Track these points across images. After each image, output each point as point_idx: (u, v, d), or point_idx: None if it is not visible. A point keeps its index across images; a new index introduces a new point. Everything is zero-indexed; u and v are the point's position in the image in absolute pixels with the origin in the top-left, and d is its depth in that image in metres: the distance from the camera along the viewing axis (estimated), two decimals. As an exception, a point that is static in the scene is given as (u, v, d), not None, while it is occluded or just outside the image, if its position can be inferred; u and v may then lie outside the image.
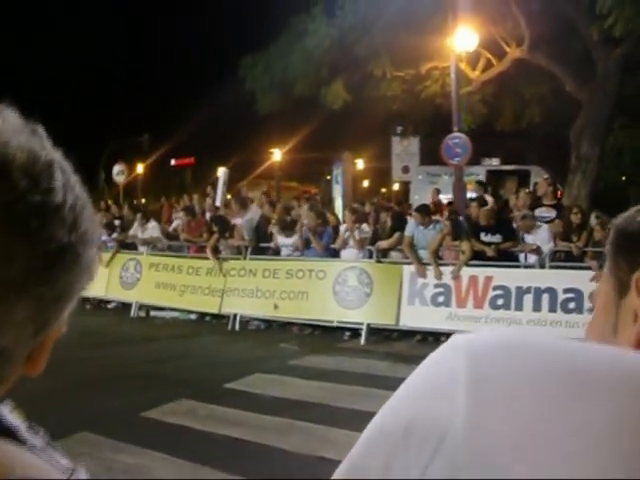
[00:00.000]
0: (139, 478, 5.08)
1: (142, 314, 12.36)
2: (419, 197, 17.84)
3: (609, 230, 0.91)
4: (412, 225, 10.36)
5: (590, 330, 0.89)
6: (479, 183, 14.55)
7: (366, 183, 35.35)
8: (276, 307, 10.87)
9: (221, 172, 15.57)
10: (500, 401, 0.60)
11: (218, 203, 13.97)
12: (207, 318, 11.83)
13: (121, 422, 6.29)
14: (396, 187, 26.83)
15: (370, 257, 10.46)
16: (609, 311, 0.87)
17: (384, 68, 13.84)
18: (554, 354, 0.62)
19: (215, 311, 11.55)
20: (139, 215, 13.28)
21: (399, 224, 10.59)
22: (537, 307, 9.05)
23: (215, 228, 12.09)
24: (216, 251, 11.93)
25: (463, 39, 12.20)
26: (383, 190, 31.51)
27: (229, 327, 11.14)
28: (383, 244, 10.48)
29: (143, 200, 38.08)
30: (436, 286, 9.64)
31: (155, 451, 5.52)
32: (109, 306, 13.12)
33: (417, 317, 9.57)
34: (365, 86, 14.31)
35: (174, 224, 13.46)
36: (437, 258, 9.86)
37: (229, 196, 16.43)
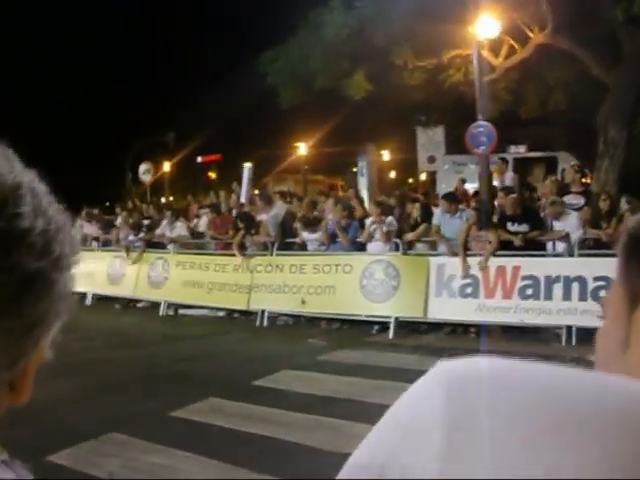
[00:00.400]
0: (166, 479, 5.08)
1: (171, 312, 12.43)
2: (445, 187, 17.65)
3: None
4: (439, 214, 10.27)
5: (599, 343, 0.82)
6: (501, 159, 14.36)
7: (393, 174, 35.15)
8: (303, 302, 10.84)
9: (245, 168, 15.61)
10: (479, 447, 0.53)
11: (243, 199, 13.97)
12: (235, 315, 11.84)
13: (149, 422, 6.30)
14: (423, 177, 26.64)
15: (396, 250, 10.38)
16: (619, 324, 0.78)
17: (405, 58, 13.70)
18: (543, 392, 0.55)
19: (243, 307, 11.56)
20: (168, 214, 13.33)
21: (425, 215, 10.50)
22: (567, 296, 8.90)
23: (241, 225, 12.09)
24: (242, 248, 11.94)
25: (485, 26, 12.03)
26: (410, 181, 31.32)
27: (257, 323, 11.14)
28: (409, 236, 10.40)
29: (171, 198, 38.42)
30: (464, 277, 9.53)
31: (182, 451, 5.52)
32: (138, 305, 13.19)
33: (445, 309, 9.47)
34: (387, 76, 14.18)
35: (200, 222, 13.48)
36: (465, 249, 9.74)
37: (256, 192, 16.45)
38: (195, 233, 13.39)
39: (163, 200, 19.04)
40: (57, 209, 0.63)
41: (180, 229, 13.05)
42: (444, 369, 0.62)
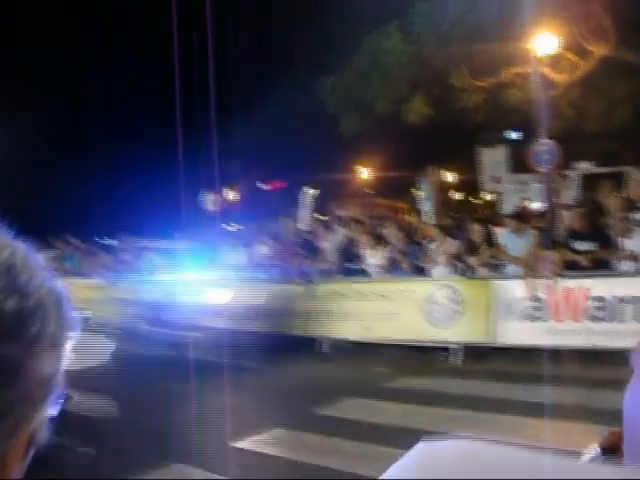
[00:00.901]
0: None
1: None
2: (510, 206, 17.37)
3: None
4: (504, 233, 10.08)
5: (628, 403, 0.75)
6: (562, 176, 13.94)
7: (457, 196, 34.86)
8: (368, 329, 10.75)
9: (305, 194, 15.65)
10: None
11: (302, 225, 13.92)
12: (297, 341, 11.78)
13: (212, 453, 6.30)
14: (488, 197, 26.32)
15: (460, 273, 10.21)
16: None
17: (464, 79, 13.61)
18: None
19: (302, 333, 11.50)
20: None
21: (487, 238, 10.30)
22: (639, 317, 8.55)
23: (302, 252, 12.11)
24: (305, 275, 11.93)
25: (544, 42, 11.85)
26: (476, 201, 30.96)
27: (319, 350, 11.06)
28: (473, 261, 10.20)
29: (238, 226, 38.90)
30: (530, 300, 9.29)
31: (248, 484, 5.51)
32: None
33: (513, 333, 9.23)
34: (446, 99, 14.09)
35: (261, 250, 13.54)
36: (529, 270, 9.50)
37: (318, 217, 16.49)
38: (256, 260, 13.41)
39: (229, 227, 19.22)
40: (47, 284, 0.59)
41: (240, 257, 13.15)
42: (419, 452, 0.65)
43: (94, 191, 45.53)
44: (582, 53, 13.36)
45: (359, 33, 14.65)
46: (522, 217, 10.65)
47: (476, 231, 10.91)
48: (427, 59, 13.46)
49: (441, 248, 10.47)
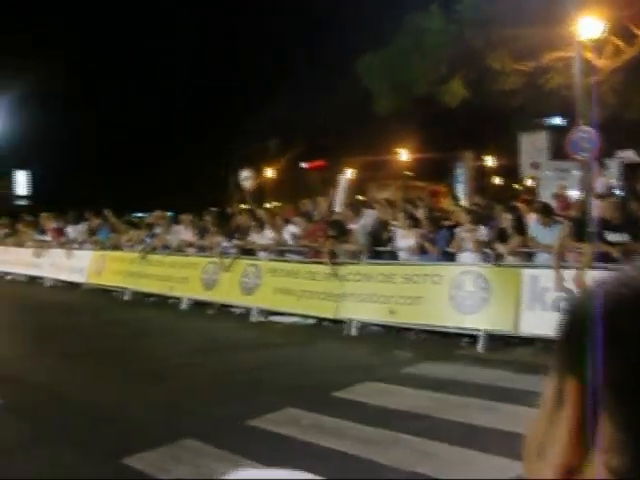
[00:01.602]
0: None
1: (262, 319, 12.50)
2: (548, 193, 17.03)
3: None
4: (534, 224, 9.86)
5: (527, 435, 0.65)
6: (600, 164, 13.53)
7: (497, 180, 34.38)
8: (392, 312, 10.66)
9: (342, 178, 15.55)
10: None
11: (337, 208, 13.83)
12: (325, 323, 11.76)
13: (226, 430, 6.32)
14: (528, 183, 25.88)
15: (488, 260, 10.03)
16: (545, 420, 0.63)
17: (503, 61, 13.29)
18: None
19: (332, 316, 11.48)
20: (255, 222, 13.48)
21: (518, 225, 10.09)
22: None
23: (332, 232, 12.03)
24: (333, 256, 11.87)
25: (587, 26, 11.48)
26: (516, 187, 30.53)
27: (345, 332, 11.03)
28: (502, 249, 10.00)
29: (275, 204, 39.01)
30: (558, 290, 9.06)
31: (254, 461, 5.47)
32: (236, 312, 13.29)
33: (538, 323, 9.01)
34: (484, 81, 13.79)
35: (291, 229, 13.48)
36: (560, 261, 9.27)
37: (355, 197, 16.35)
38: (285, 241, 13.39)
39: (253, 208, 19.21)
40: None
41: (269, 236, 13.14)
42: None
43: (133, 167, 46.31)
44: (627, 38, 12.94)
45: (401, 12, 14.39)
46: (550, 209, 10.35)
47: (508, 218, 10.70)
48: (468, 40, 13.15)
49: (471, 234, 10.29)
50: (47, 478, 5.24)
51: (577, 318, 0.61)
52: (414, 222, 11.12)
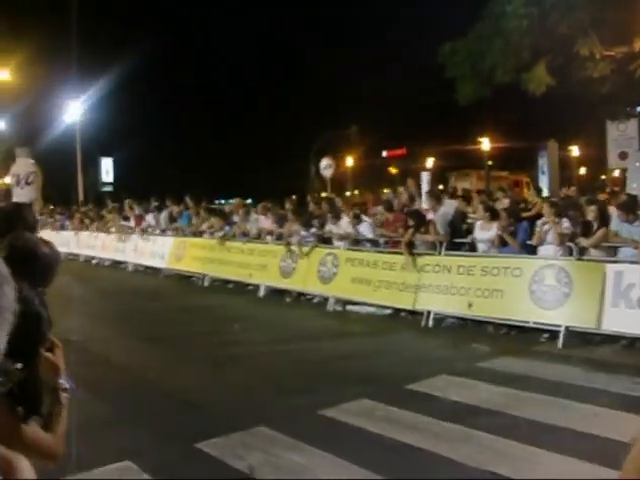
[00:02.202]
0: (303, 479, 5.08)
1: (339, 308, 12.51)
2: (637, 185, 16.37)
3: None
4: (617, 220, 9.50)
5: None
6: None
7: (583, 171, 33.35)
8: (470, 305, 10.49)
9: (423, 175, 15.30)
10: None
11: (424, 205, 13.42)
12: (402, 314, 11.68)
13: (298, 419, 6.38)
14: (617, 173, 24.93)
15: (570, 254, 9.72)
16: None
17: (592, 47, 12.79)
18: None
19: (409, 307, 11.39)
20: (331, 211, 13.48)
21: (603, 218, 9.73)
22: None
23: (411, 222, 11.91)
24: (411, 246, 11.75)
25: (682, 10, 10.94)
26: (603, 177, 29.53)
27: (422, 324, 10.93)
28: (585, 243, 9.67)
29: (356, 192, 39.02)
30: (645, 286, 8.70)
31: (326, 452, 5.52)
32: (314, 300, 13.34)
33: (622, 321, 8.68)
34: (570, 68, 13.32)
35: (366, 220, 13.39)
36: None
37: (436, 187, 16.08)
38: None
39: (329, 196, 19.20)
40: None
41: (346, 226, 13.12)
42: None
43: (216, 155, 47.17)
44: None
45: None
46: (635, 205, 9.90)
47: (592, 211, 10.35)
48: (552, 25, 12.71)
49: (553, 226, 10.00)
50: (123, 457, 5.39)
51: None
52: (493, 215, 10.89)
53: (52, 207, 28.98)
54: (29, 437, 2.07)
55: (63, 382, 2.36)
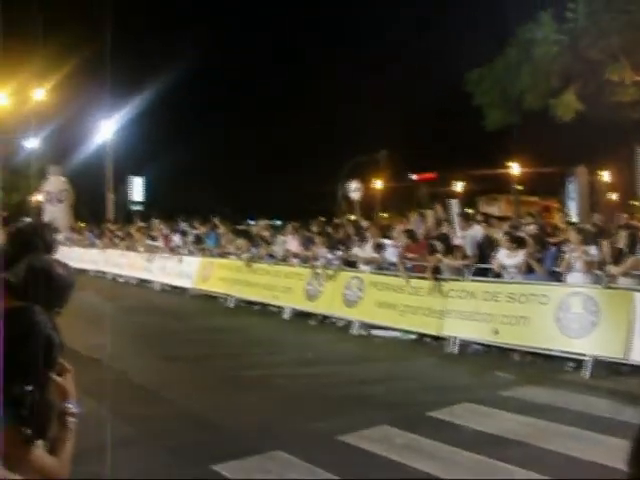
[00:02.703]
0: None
1: (363, 332, 12.43)
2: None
3: None
4: (645, 247, 9.36)
5: None
6: None
7: (614, 196, 32.94)
8: (496, 332, 10.35)
9: (452, 204, 15.10)
10: None
11: (459, 238, 13.10)
12: (427, 339, 11.57)
13: (316, 444, 6.32)
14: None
15: (598, 282, 9.56)
16: None
17: (622, 72, 12.67)
18: None
19: (434, 332, 11.28)
20: (356, 234, 13.45)
21: (632, 245, 9.57)
22: None
23: (438, 247, 11.82)
24: (437, 271, 11.67)
25: None
26: (635, 203, 29.15)
27: (447, 350, 10.81)
28: (614, 270, 9.50)
29: (385, 215, 39.00)
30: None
31: (343, 479, 5.44)
32: (338, 324, 13.27)
33: (651, 351, 8.53)
34: (600, 93, 13.20)
35: (389, 244, 13.28)
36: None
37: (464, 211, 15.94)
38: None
39: (355, 219, 19.19)
40: None
41: (371, 250, 13.07)
42: None
43: (245, 176, 47.58)
44: None
45: (512, 22, 13.98)
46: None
47: (622, 237, 10.20)
48: (582, 51, 12.63)
49: (580, 253, 9.85)
50: (140, 476, 5.37)
51: None
52: (518, 244, 10.75)
53: (82, 225, 29.33)
54: (34, 460, 2.06)
55: (71, 406, 2.35)
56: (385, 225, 19.62)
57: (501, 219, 15.16)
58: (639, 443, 0.65)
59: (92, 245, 25.06)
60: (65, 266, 2.85)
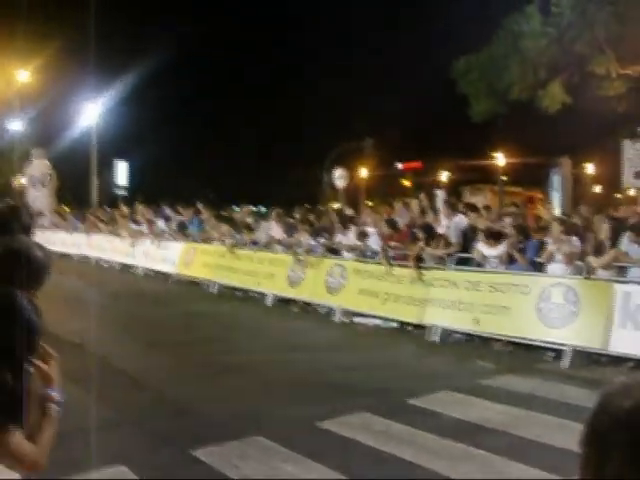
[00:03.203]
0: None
1: (345, 320, 12.45)
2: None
3: None
4: (626, 241, 9.41)
5: None
6: None
7: (597, 189, 33.14)
8: (477, 321, 10.41)
9: (439, 194, 15.17)
10: None
11: (443, 227, 13.14)
12: (408, 327, 11.61)
13: (296, 430, 6.33)
14: (632, 193, 24.75)
15: (579, 273, 9.62)
16: None
17: (608, 65, 12.71)
18: None
19: (415, 321, 11.32)
20: (339, 221, 13.46)
21: (614, 238, 9.63)
22: None
23: (421, 235, 11.85)
24: (419, 260, 11.70)
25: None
26: (618, 196, 29.34)
27: (429, 338, 10.86)
28: (595, 262, 9.56)
29: (370, 203, 39.03)
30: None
31: (322, 465, 5.48)
32: (320, 311, 13.29)
33: (629, 342, 8.56)
34: (586, 87, 13.24)
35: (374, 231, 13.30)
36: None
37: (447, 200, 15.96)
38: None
39: (339, 207, 19.22)
40: None
41: (353, 237, 13.08)
42: None
43: (230, 162, 47.41)
44: None
45: (498, 14, 13.96)
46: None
47: (604, 230, 10.27)
48: (568, 43, 12.65)
49: (562, 245, 9.92)
50: (119, 461, 5.37)
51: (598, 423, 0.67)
52: (497, 239, 10.79)
53: (66, 209, 29.14)
54: (10, 446, 2.04)
55: (54, 393, 2.33)
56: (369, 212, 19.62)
57: (482, 209, 15.20)
58: (592, 425, 0.67)
59: (76, 229, 24.90)
60: (42, 248, 2.84)
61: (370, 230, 13.22)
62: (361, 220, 14.31)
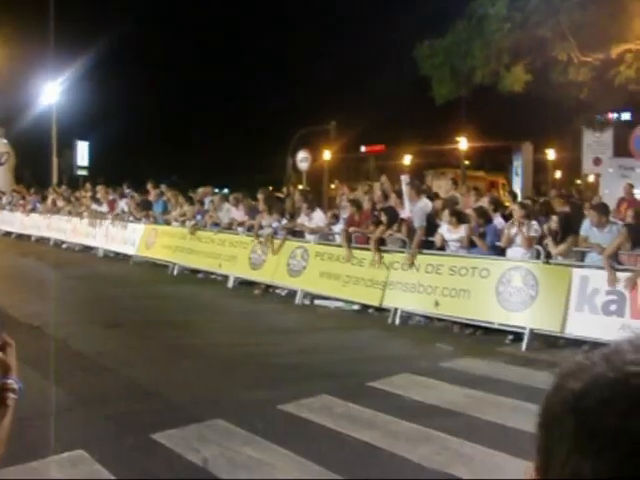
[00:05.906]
0: (258, 478, 5.01)
1: (307, 302, 12.46)
2: (609, 192, 16.51)
3: None
4: (587, 225, 9.53)
5: None
6: None
7: (558, 174, 33.57)
8: (437, 304, 10.49)
9: (403, 180, 15.12)
10: None
11: (407, 213, 13.16)
12: (369, 310, 11.66)
13: (257, 413, 6.32)
14: (591, 179, 25.13)
15: (538, 257, 9.74)
16: None
17: (570, 52, 12.82)
18: None
19: (376, 304, 11.37)
20: (305, 204, 13.40)
21: (567, 225, 9.73)
22: None
23: (383, 219, 11.86)
24: (381, 243, 11.73)
25: (660, 19, 11.00)
26: (578, 182, 29.78)
27: (389, 321, 10.91)
28: (553, 250, 9.67)
29: (333, 186, 39.04)
30: (608, 293, 8.75)
31: (282, 447, 5.47)
32: (282, 293, 13.28)
33: (585, 325, 8.74)
34: (549, 72, 13.34)
35: (340, 214, 13.32)
36: (614, 262, 8.96)
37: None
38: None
39: (304, 189, 19.16)
40: None
41: (318, 219, 13.05)
42: None
43: (195, 144, 46.99)
44: None
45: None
46: (608, 210, 9.99)
47: (563, 215, 10.39)
48: (532, 28, 12.71)
49: (522, 229, 10.02)
50: (77, 446, 5.30)
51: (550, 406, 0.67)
52: (460, 219, 10.86)
53: (25, 189, 28.58)
54: None
55: (12, 382, 2.26)
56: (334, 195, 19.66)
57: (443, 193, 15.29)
58: (545, 408, 0.67)
59: (34, 210, 24.44)
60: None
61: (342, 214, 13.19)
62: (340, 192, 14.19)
